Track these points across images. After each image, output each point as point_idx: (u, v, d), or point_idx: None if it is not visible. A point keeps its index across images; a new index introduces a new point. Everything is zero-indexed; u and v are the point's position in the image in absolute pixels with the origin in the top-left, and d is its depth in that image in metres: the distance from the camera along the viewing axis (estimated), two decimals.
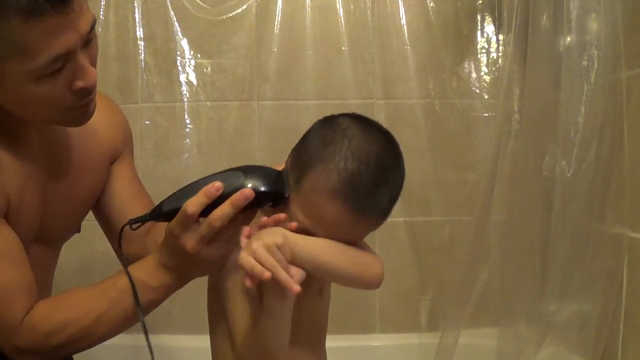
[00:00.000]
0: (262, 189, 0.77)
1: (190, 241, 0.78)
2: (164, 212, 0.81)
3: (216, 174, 0.79)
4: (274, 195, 0.78)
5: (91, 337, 0.87)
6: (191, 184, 0.80)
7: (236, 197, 0.75)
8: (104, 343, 1.46)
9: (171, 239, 0.80)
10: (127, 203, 1.04)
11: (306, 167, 0.76)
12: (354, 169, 0.74)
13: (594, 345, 1.18)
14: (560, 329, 1.23)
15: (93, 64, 0.79)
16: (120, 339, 1.54)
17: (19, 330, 0.82)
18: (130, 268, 0.85)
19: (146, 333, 0.84)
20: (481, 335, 1.45)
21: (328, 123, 0.80)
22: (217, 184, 0.76)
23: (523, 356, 1.26)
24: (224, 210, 0.76)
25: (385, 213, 0.79)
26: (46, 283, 1.01)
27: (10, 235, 0.83)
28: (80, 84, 0.77)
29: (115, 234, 1.00)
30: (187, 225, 0.78)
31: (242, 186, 0.76)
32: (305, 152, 0.78)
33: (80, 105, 0.80)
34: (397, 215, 1.58)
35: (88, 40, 0.77)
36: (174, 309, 1.53)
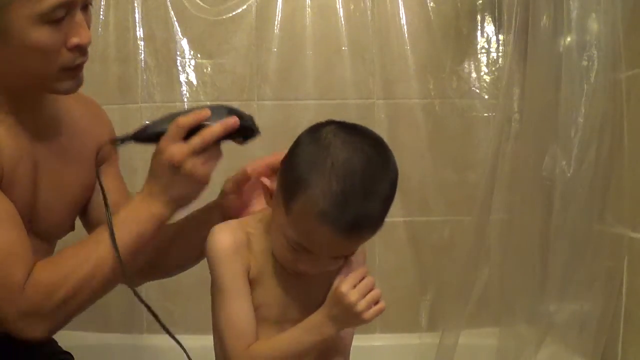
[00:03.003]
0: (243, 123, 0.86)
1: (178, 152, 0.82)
2: (149, 133, 0.86)
3: (203, 106, 0.87)
4: (251, 131, 0.88)
5: (92, 284, 0.86)
6: (174, 112, 0.86)
7: (227, 121, 0.84)
8: (103, 342, 1.47)
9: (158, 156, 0.85)
10: (114, 209, 1.05)
11: (294, 189, 0.76)
12: (339, 191, 0.73)
13: (594, 345, 1.18)
14: (560, 329, 1.23)
15: (88, 28, 0.85)
16: (120, 339, 1.55)
17: (22, 293, 0.82)
18: (120, 209, 0.88)
19: (125, 271, 0.85)
20: (481, 335, 1.45)
21: (313, 138, 0.79)
22: (207, 111, 0.85)
23: (523, 356, 1.26)
24: (215, 128, 0.84)
25: (378, 224, 0.79)
26: None
27: (6, 202, 0.84)
28: (75, 40, 0.82)
29: None
30: (176, 138, 0.83)
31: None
32: (292, 172, 0.78)
33: (73, 66, 0.85)
34: (397, 215, 1.58)
35: (85, 5, 0.84)
36: (175, 309, 1.53)
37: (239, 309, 0.85)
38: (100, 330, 1.56)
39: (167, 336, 0.90)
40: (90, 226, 1.07)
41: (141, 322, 1.56)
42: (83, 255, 0.87)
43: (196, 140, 0.83)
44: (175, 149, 0.83)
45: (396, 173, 0.81)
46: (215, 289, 0.86)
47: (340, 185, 0.73)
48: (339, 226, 0.74)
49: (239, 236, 0.86)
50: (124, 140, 0.88)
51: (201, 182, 0.85)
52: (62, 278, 0.84)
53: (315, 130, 0.80)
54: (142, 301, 0.88)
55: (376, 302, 0.82)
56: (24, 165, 0.88)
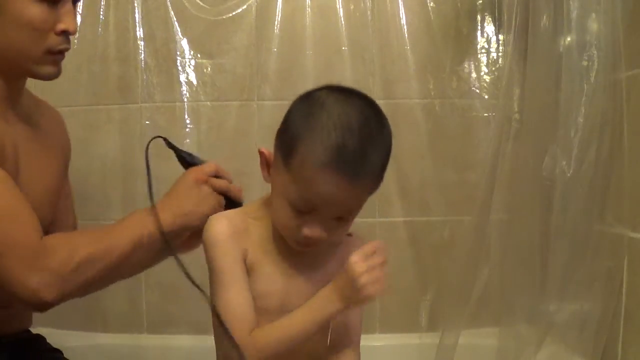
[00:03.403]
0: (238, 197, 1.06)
1: (203, 176, 1.00)
2: (188, 160, 1.05)
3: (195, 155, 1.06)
4: (237, 204, 1.03)
5: (108, 260, 0.90)
6: (191, 154, 1.06)
7: (237, 188, 1.03)
8: (103, 342, 1.47)
9: (187, 175, 1.01)
10: (66, 215, 1.12)
11: (291, 146, 0.77)
12: (338, 139, 0.74)
13: (594, 345, 1.18)
14: (560, 329, 1.23)
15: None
16: (120, 339, 1.55)
17: (40, 251, 0.85)
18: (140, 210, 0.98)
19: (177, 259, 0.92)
20: (481, 335, 1.45)
21: (306, 100, 0.82)
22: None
23: (523, 356, 1.26)
24: (230, 185, 1.02)
25: (379, 176, 0.80)
26: None
27: (4, 172, 0.87)
28: (64, 26, 0.92)
29: None
30: (205, 171, 1.01)
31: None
32: (288, 131, 0.80)
33: (56, 50, 0.93)
34: (397, 215, 1.58)
35: (76, 0, 0.95)
36: (174, 309, 1.53)
37: (237, 294, 0.84)
38: (100, 330, 1.56)
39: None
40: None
41: (141, 322, 1.56)
42: (99, 235, 0.93)
43: (215, 180, 1.00)
44: (203, 174, 1.00)
45: (391, 137, 0.81)
46: (213, 276, 0.85)
47: (338, 132, 0.75)
48: (340, 174, 0.74)
49: (236, 223, 0.86)
50: (172, 146, 1.06)
51: (206, 206, 0.97)
52: (79, 245, 0.89)
53: (307, 95, 0.82)
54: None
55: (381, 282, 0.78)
56: (9, 144, 0.90)
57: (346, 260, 0.81)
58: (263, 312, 0.85)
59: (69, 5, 0.93)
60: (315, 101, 0.80)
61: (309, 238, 0.80)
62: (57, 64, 0.95)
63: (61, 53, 0.95)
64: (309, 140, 0.76)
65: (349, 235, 0.91)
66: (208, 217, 0.89)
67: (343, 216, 0.81)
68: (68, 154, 1.14)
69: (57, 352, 1.13)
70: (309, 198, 0.77)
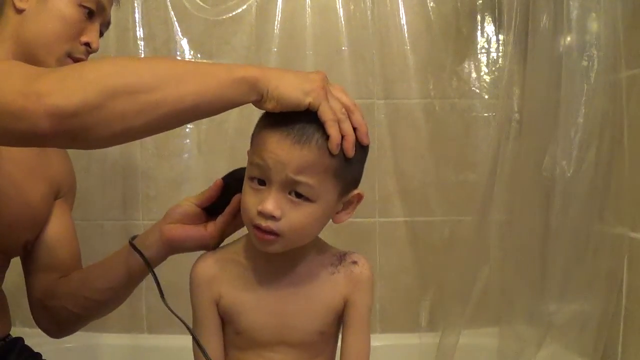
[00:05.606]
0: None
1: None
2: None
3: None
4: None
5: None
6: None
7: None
8: (103, 342, 1.45)
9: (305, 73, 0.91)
10: (61, 243, 1.08)
11: (253, 132, 0.83)
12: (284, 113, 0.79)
13: (594, 345, 1.18)
14: (560, 329, 1.23)
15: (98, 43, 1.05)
16: (120, 339, 1.55)
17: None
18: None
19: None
20: (481, 335, 1.45)
21: None
22: None
23: (523, 356, 1.26)
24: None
25: (316, 136, 0.79)
26: None
27: None
28: (86, 38, 1.02)
29: (36, 271, 1.05)
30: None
31: None
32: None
33: (75, 57, 1.01)
34: (397, 215, 1.58)
35: (105, 25, 1.08)
36: (174, 309, 1.53)
37: (205, 340, 0.87)
38: (100, 330, 1.56)
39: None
40: (33, 249, 1.06)
41: (141, 322, 1.56)
42: None
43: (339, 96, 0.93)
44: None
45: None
46: (192, 313, 0.89)
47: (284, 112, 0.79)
48: (282, 130, 0.77)
49: (216, 266, 0.87)
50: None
51: (307, 85, 0.84)
52: None
53: None
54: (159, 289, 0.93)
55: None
56: None
57: (349, 286, 0.85)
58: (262, 345, 0.85)
59: (97, 25, 1.04)
60: None
61: (262, 213, 0.78)
62: None
63: (78, 62, 1.00)
64: (261, 119, 0.82)
65: (354, 262, 0.87)
66: (296, 94, 0.79)
67: (297, 189, 0.78)
68: (65, 185, 1.11)
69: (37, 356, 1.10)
70: (257, 161, 0.79)
